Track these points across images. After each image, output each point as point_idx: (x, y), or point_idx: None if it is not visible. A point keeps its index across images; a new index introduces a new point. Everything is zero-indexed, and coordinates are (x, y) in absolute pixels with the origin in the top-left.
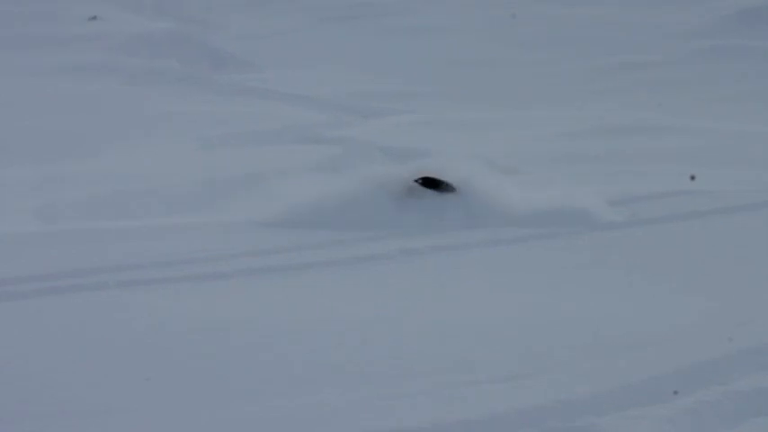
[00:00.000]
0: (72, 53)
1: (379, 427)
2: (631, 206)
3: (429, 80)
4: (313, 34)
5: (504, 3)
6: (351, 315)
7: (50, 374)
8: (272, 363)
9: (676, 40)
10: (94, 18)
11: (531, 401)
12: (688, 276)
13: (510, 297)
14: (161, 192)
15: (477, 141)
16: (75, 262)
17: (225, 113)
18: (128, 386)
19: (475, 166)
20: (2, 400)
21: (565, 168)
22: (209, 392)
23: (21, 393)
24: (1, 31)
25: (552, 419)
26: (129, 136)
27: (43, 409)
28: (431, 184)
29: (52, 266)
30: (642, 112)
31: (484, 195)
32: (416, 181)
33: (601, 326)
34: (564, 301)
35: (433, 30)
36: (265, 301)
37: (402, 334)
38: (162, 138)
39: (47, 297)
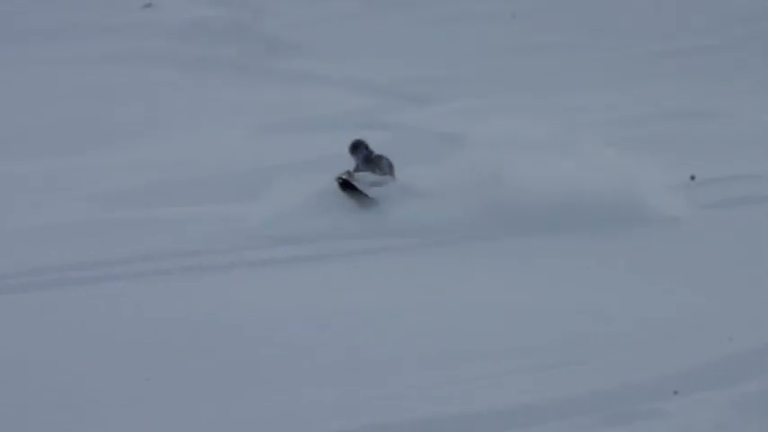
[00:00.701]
0: (126, 41)
1: (381, 421)
2: (686, 193)
3: (484, 66)
4: (366, 20)
5: None
6: (360, 308)
7: (73, 357)
8: (274, 358)
9: (732, 24)
10: (149, 5)
11: (537, 395)
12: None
13: (529, 288)
14: (210, 180)
15: (531, 127)
16: (119, 250)
17: (278, 100)
18: (129, 383)
19: (514, 154)
20: (11, 388)
21: (614, 153)
22: (209, 391)
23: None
24: (53, 21)
25: (554, 417)
26: (181, 124)
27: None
28: (350, 188)
29: (55, 259)
30: (696, 97)
31: (520, 185)
32: (337, 180)
33: (600, 325)
34: (566, 296)
35: (490, 15)
36: (285, 291)
37: (409, 327)
38: (215, 125)
39: (45, 290)
